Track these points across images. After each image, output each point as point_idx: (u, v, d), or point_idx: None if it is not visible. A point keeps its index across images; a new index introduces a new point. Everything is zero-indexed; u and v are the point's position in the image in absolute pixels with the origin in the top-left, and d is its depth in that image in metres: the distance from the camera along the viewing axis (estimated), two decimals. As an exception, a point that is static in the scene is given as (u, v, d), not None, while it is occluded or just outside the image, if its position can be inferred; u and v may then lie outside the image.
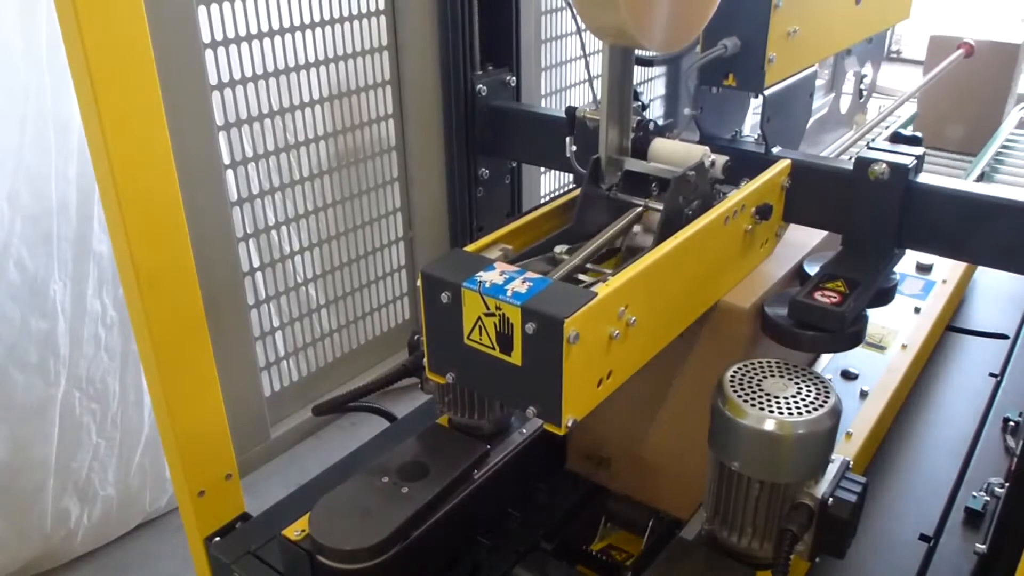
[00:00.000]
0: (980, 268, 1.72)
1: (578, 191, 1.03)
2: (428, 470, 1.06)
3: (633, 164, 1.04)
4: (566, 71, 2.06)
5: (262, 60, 1.45)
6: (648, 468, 1.16)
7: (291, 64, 1.49)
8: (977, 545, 1.09)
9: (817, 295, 1.00)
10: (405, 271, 1.87)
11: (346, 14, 1.55)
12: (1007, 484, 1.14)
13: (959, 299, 1.66)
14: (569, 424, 0.79)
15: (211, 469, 1.12)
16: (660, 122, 1.09)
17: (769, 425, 0.85)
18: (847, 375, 1.30)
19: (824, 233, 1.20)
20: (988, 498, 1.16)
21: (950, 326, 1.59)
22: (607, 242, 0.96)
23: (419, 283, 0.83)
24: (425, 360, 0.88)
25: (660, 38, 0.91)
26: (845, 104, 1.90)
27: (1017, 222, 1.03)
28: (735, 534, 0.93)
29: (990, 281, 1.75)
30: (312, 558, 0.97)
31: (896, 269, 1.16)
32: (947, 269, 1.60)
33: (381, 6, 1.60)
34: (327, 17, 1.52)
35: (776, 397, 0.88)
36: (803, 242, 1.18)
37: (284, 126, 1.53)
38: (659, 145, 1.05)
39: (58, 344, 1.58)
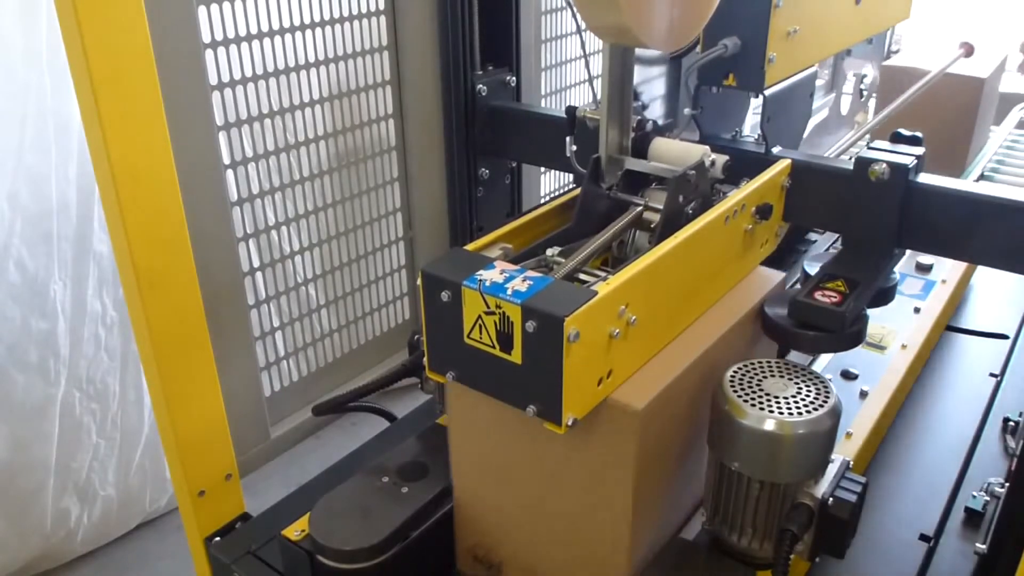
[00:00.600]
0: (980, 268, 1.72)
1: (578, 191, 1.03)
2: (428, 470, 1.06)
3: (633, 164, 1.04)
4: (566, 71, 2.06)
5: (262, 60, 1.45)
6: None
7: (291, 64, 1.49)
8: (977, 545, 1.09)
9: (817, 295, 1.00)
10: (405, 271, 1.87)
11: (346, 14, 1.55)
12: (1007, 484, 1.14)
13: (959, 299, 1.66)
14: (569, 423, 0.79)
15: (211, 469, 1.12)
16: (660, 122, 1.09)
17: (769, 425, 0.85)
18: (847, 375, 1.30)
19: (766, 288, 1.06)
20: (988, 498, 1.16)
21: (950, 326, 1.59)
22: (601, 247, 0.96)
23: (419, 282, 0.83)
24: (425, 360, 0.88)
25: (660, 37, 0.91)
26: (845, 104, 1.90)
27: (1017, 222, 1.03)
28: (735, 534, 0.93)
29: (990, 281, 1.76)
30: (312, 558, 0.97)
31: (896, 269, 1.16)
32: (947, 269, 1.60)
33: (381, 6, 1.60)
34: (327, 17, 1.52)
35: (776, 397, 0.88)
36: (708, 332, 0.96)
37: (284, 126, 1.53)
38: (659, 144, 1.06)
39: (58, 344, 1.58)
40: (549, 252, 0.93)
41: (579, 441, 0.87)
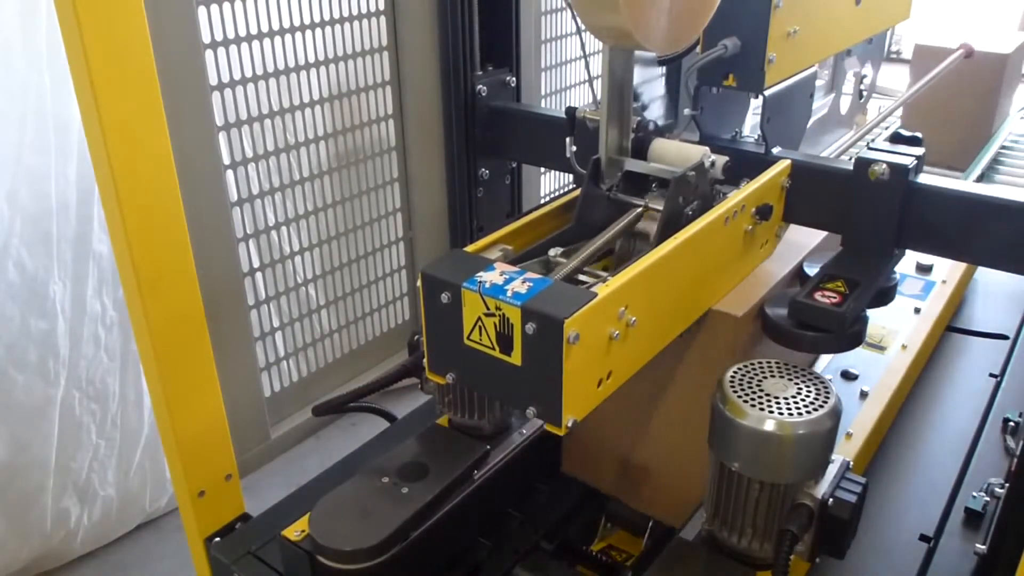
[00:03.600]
0: (980, 268, 1.72)
1: (578, 191, 1.03)
2: (428, 470, 1.06)
3: (633, 164, 1.04)
4: (566, 71, 2.06)
5: (262, 60, 1.45)
6: (642, 473, 1.15)
7: (291, 64, 1.49)
8: (977, 545, 1.09)
9: (817, 295, 1.00)
10: (405, 271, 1.87)
11: (346, 14, 1.55)
12: (1007, 484, 1.14)
13: (959, 299, 1.66)
14: (569, 424, 0.79)
15: (211, 469, 1.12)
16: (660, 122, 1.09)
17: (769, 425, 0.85)
18: (847, 375, 1.30)
19: (824, 233, 1.20)
20: (988, 498, 1.16)
21: (950, 326, 1.59)
22: (603, 246, 0.96)
23: (419, 283, 0.83)
24: (425, 360, 0.88)
25: (660, 39, 0.91)
26: (845, 104, 1.90)
27: (1017, 222, 1.03)
28: (735, 534, 0.93)
29: (990, 281, 1.76)
30: (312, 558, 0.97)
31: (896, 269, 1.16)
32: (947, 269, 1.60)
33: (381, 6, 1.60)
34: (327, 17, 1.52)
35: (776, 397, 0.88)
36: (803, 243, 1.17)
37: (284, 126, 1.53)
38: (659, 145, 1.05)
39: (58, 344, 1.58)
40: (552, 253, 0.93)
41: (684, 349, 1.01)
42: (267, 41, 1.45)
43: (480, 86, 1.50)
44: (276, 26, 1.45)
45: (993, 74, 2.08)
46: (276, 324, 1.66)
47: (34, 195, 1.48)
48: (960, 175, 3.14)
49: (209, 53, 1.36)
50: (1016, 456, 1.20)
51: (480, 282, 0.79)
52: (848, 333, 0.99)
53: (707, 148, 1.02)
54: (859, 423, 1.20)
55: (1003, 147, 2.73)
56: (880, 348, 1.37)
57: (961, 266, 1.62)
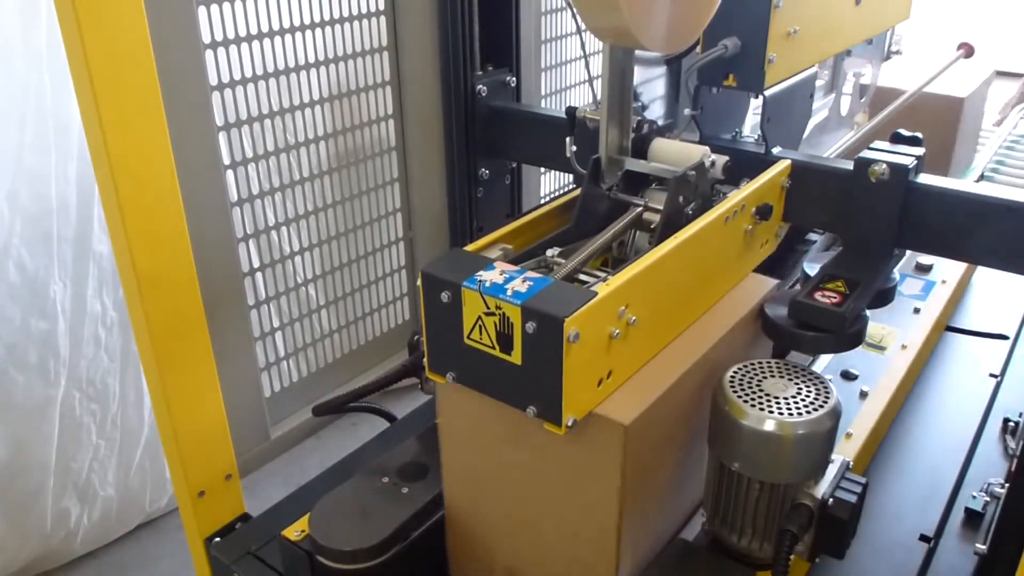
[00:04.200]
0: (980, 268, 1.72)
1: (578, 191, 1.03)
2: (428, 470, 1.06)
3: (633, 164, 1.04)
4: (566, 71, 2.06)
5: (262, 60, 1.45)
6: None
7: (291, 64, 1.49)
8: (977, 545, 1.09)
9: (817, 295, 1.00)
10: (405, 271, 1.87)
11: (346, 14, 1.55)
12: (1007, 485, 1.14)
13: (959, 299, 1.66)
14: (569, 424, 0.79)
15: (211, 469, 1.12)
16: (660, 122, 1.09)
17: (769, 425, 0.85)
18: (847, 375, 1.30)
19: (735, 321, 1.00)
20: (988, 498, 1.16)
21: (950, 326, 1.59)
22: (603, 245, 0.96)
23: (419, 283, 0.84)
24: (425, 360, 0.88)
25: (660, 39, 0.91)
26: (845, 105, 1.90)
27: (1017, 222, 1.03)
28: (735, 534, 0.93)
29: (990, 281, 1.76)
30: (312, 558, 0.97)
31: (896, 269, 1.16)
32: (947, 269, 1.60)
33: (381, 6, 1.60)
34: (327, 17, 1.52)
35: (776, 397, 0.88)
36: (702, 339, 0.95)
37: (284, 126, 1.53)
38: (659, 145, 1.06)
39: (58, 344, 1.58)
40: (549, 253, 0.93)
41: (567, 451, 0.85)
42: (267, 41, 1.45)
43: (480, 86, 1.50)
44: (276, 26, 1.45)
45: (948, 119, 1.98)
46: (276, 324, 1.66)
47: (34, 195, 1.48)
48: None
49: (209, 53, 1.36)
50: (1016, 456, 1.20)
51: (480, 281, 0.79)
52: (848, 333, 0.99)
53: (707, 148, 1.02)
54: (859, 423, 1.20)
55: (1003, 147, 2.73)
56: (880, 348, 1.37)
57: (961, 266, 1.62)
